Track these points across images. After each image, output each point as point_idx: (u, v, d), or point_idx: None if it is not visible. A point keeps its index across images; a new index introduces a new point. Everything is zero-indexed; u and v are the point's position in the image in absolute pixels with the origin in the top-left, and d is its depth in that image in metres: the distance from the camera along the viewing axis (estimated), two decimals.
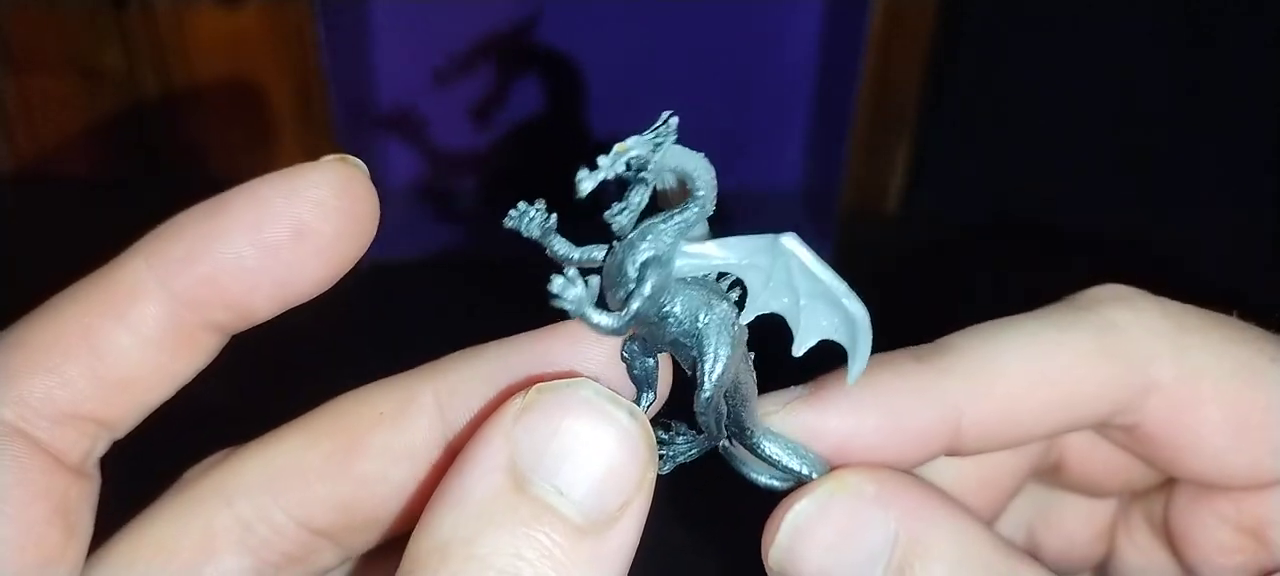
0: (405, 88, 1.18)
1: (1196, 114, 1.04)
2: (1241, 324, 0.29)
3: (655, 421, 0.26)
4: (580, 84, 1.18)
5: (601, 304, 0.24)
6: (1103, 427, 0.31)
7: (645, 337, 0.25)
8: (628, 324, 0.24)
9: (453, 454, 0.26)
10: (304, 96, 1.02)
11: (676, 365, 0.26)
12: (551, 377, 0.24)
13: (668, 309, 0.25)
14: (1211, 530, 0.31)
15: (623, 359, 0.25)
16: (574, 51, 1.17)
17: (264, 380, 0.27)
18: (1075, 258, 0.94)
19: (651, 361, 0.25)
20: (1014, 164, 1.09)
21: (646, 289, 0.24)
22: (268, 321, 0.26)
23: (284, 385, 0.28)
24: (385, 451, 0.26)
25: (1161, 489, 0.33)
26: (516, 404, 0.23)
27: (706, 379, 0.25)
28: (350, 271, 0.26)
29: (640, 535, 0.23)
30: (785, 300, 0.25)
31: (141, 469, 0.27)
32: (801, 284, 0.25)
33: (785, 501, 0.27)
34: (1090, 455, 0.33)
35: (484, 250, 1.12)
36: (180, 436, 0.28)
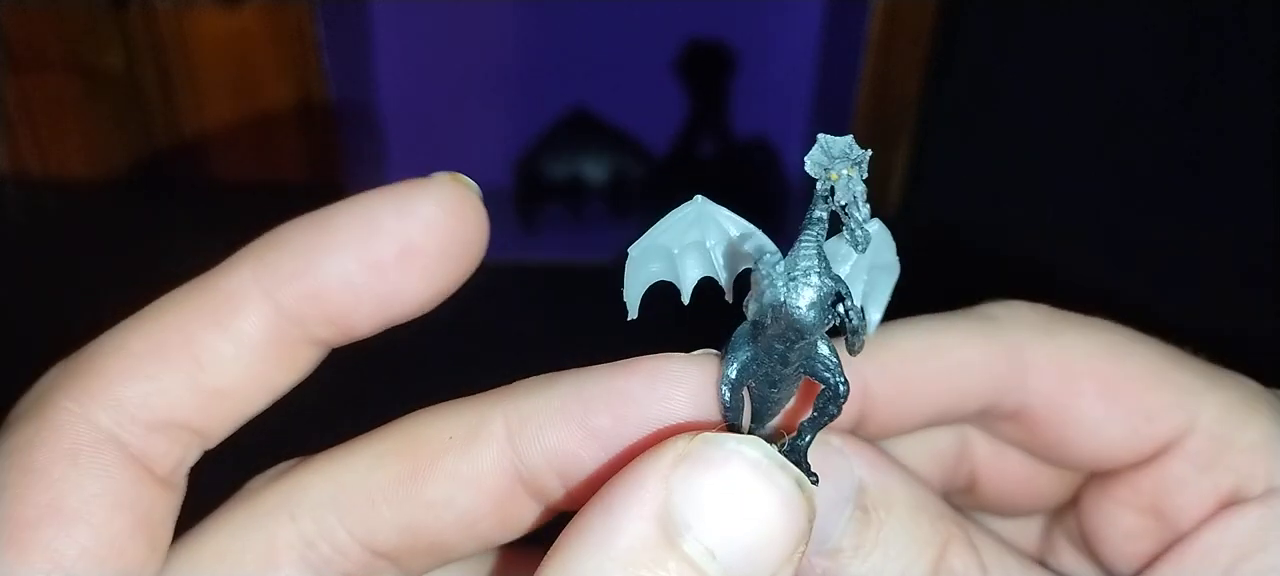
0: (405, 88, 1.18)
1: (1198, 115, 1.04)
2: (1109, 321, 0.32)
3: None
4: (581, 83, 1.18)
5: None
6: (997, 422, 0.32)
7: (777, 364, 0.25)
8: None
9: (551, 510, 0.26)
10: (304, 96, 1.02)
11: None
12: (706, 428, 0.23)
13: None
14: (1116, 519, 0.32)
15: (723, 397, 0.25)
16: (575, 51, 1.17)
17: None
18: (1074, 258, 0.94)
19: (743, 396, 0.25)
20: (1014, 165, 1.09)
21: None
22: None
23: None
24: (453, 476, 0.26)
25: (1074, 506, 0.34)
26: (676, 448, 0.22)
27: (842, 377, 0.25)
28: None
29: None
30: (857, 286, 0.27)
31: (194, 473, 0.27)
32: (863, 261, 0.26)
33: None
34: (1000, 469, 0.34)
35: (486, 252, 1.12)
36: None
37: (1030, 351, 0.31)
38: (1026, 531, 0.37)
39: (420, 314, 0.25)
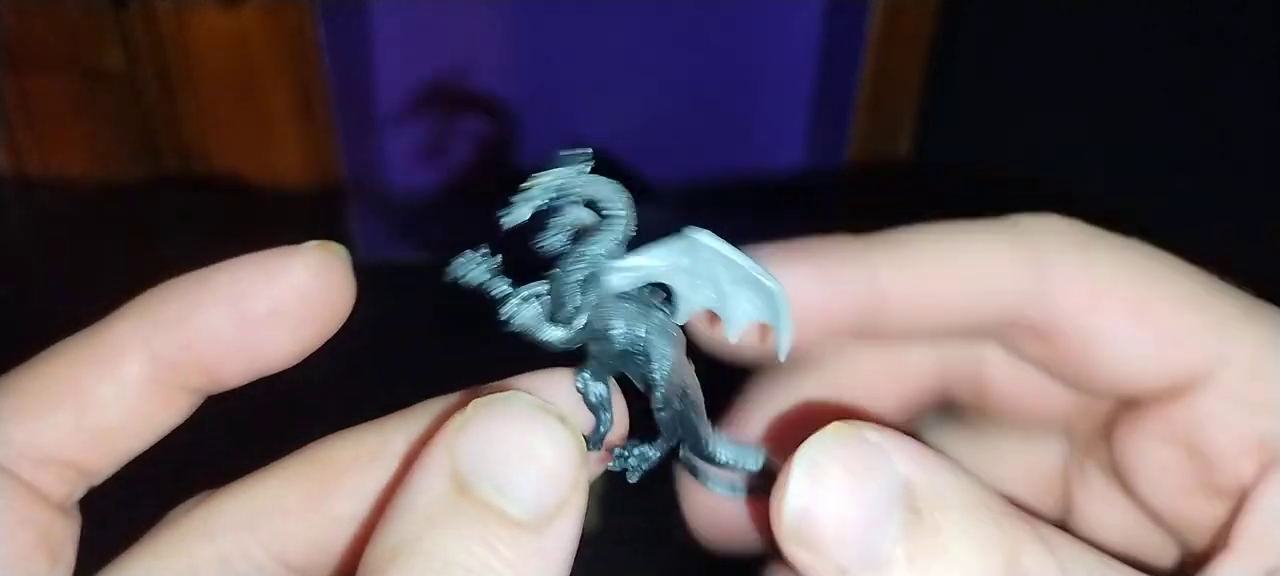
0: (405, 88, 1.18)
1: (1199, 114, 1.04)
2: (1144, 243, 0.31)
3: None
4: (583, 83, 1.18)
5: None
6: (1019, 337, 0.31)
7: (597, 358, 0.27)
8: (577, 336, 0.26)
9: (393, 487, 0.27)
10: (304, 96, 1.02)
11: (628, 388, 0.28)
12: (488, 393, 0.25)
13: (611, 325, 0.26)
14: (1149, 452, 0.31)
15: (577, 389, 0.27)
16: (576, 51, 1.17)
17: (266, 378, 0.29)
18: None
19: (604, 388, 0.27)
20: (1013, 165, 1.09)
21: (591, 300, 0.26)
22: None
23: (284, 383, 0.29)
24: (357, 492, 0.28)
25: (1108, 436, 0.33)
26: (457, 419, 0.24)
27: (658, 377, 0.27)
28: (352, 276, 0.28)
29: (579, 532, 0.24)
30: (711, 293, 0.27)
31: (130, 506, 0.29)
32: (722, 273, 0.27)
33: (794, 455, 0.25)
34: (1014, 377, 0.33)
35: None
36: (172, 453, 0.29)
37: (1059, 264, 0.30)
38: (1046, 456, 0.35)
39: (286, 367, 0.27)
